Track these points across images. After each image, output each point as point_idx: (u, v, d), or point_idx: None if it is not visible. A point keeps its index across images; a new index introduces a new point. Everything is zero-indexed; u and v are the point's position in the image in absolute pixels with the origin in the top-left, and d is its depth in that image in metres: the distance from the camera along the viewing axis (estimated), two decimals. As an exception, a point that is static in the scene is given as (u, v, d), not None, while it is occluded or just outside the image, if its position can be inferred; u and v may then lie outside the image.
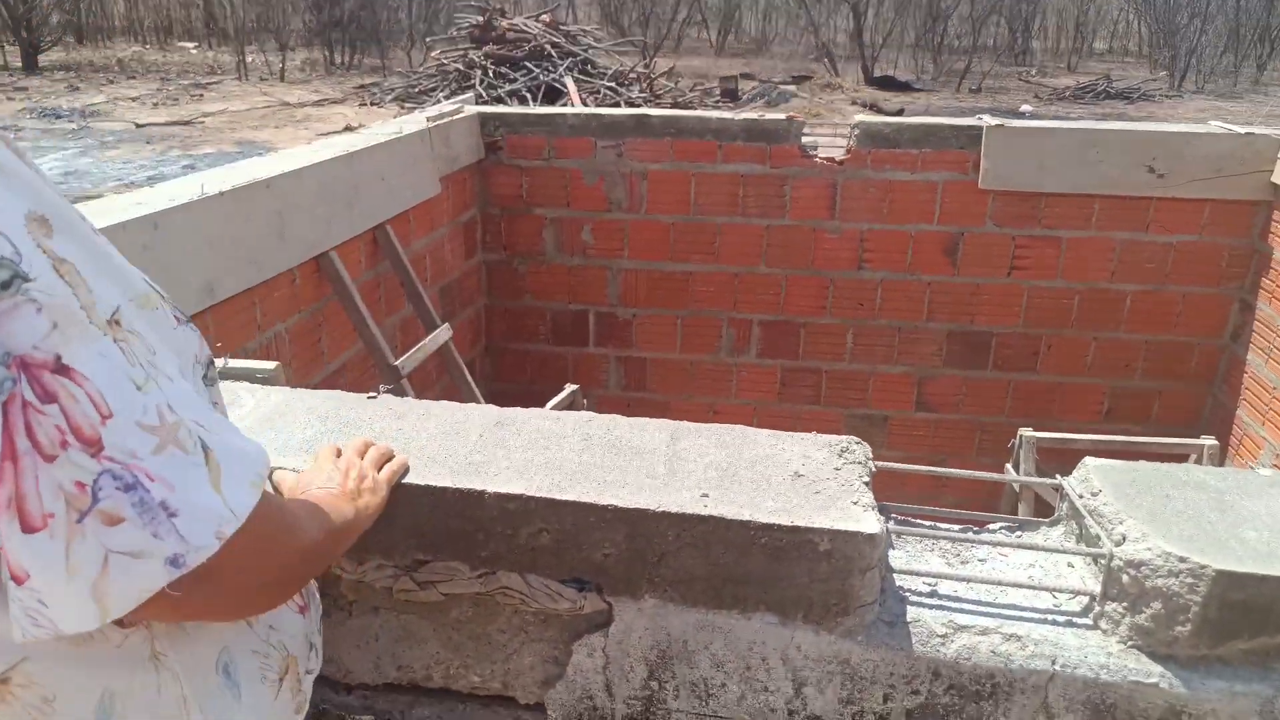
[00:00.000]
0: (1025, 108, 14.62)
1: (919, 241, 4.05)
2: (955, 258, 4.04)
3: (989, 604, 1.11)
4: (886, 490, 1.18)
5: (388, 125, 3.74)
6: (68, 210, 0.69)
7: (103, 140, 11.19)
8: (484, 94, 11.15)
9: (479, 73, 11.71)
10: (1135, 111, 14.82)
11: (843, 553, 0.97)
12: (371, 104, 13.51)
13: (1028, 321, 4.10)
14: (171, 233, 2.29)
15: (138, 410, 0.63)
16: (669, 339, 4.37)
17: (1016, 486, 3.66)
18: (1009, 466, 3.80)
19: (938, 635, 1.06)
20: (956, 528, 1.22)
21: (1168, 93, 17.09)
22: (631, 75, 12.61)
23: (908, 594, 1.11)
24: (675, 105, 12.13)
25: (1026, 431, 3.69)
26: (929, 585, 1.13)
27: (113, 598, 0.63)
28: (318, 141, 3.42)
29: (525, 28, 12.29)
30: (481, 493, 1.03)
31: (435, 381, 3.80)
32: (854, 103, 14.78)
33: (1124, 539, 1.09)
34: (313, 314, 2.96)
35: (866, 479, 1.08)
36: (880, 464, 1.14)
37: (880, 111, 13.31)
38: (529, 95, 11.25)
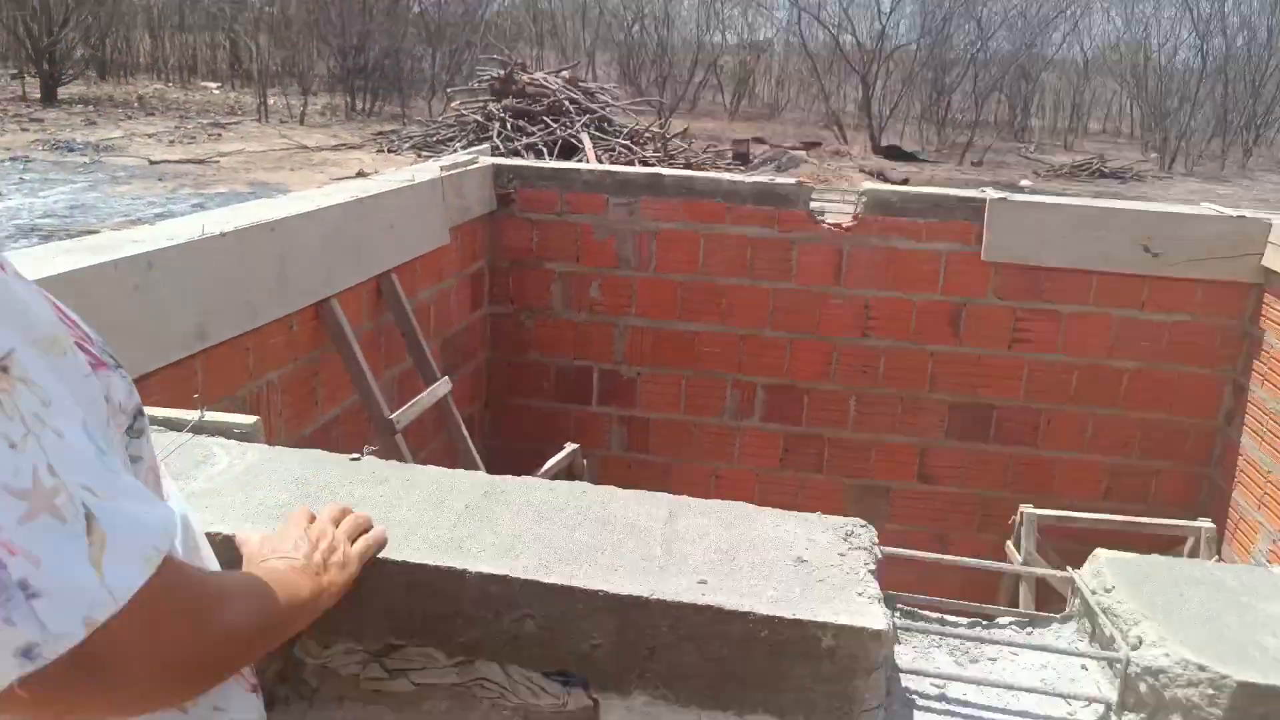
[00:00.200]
0: (1025, 182, 14.81)
1: (923, 310, 4.03)
2: (958, 328, 4.03)
3: (1001, 709, 1.05)
4: (887, 559, 1.13)
5: (400, 172, 3.75)
6: None
7: (114, 175, 11.28)
8: (501, 146, 11.28)
9: (497, 125, 11.88)
10: (1128, 191, 15.02)
11: (847, 650, 0.92)
12: (389, 151, 13.68)
13: (1029, 395, 4.06)
14: (166, 273, 2.24)
15: (7, 472, 0.55)
16: (673, 399, 4.33)
17: (1019, 565, 3.59)
18: (1010, 545, 3.74)
19: (948, 745, 1.00)
20: (965, 621, 1.17)
21: (1158, 174, 17.36)
22: (647, 134, 12.79)
23: (915, 696, 1.05)
24: (688, 166, 12.28)
25: (1028, 508, 3.64)
26: (937, 687, 1.07)
27: None
28: (328, 185, 3.43)
29: (545, 83, 12.49)
30: (462, 572, 0.97)
31: (433, 437, 3.75)
32: (861, 170, 14.98)
33: (1140, 642, 1.04)
34: (309, 362, 2.91)
35: (872, 566, 1.03)
36: (886, 549, 1.09)
37: (887, 180, 13.46)
38: (545, 149, 11.39)
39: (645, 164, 11.32)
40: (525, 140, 11.48)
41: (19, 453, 0.56)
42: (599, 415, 4.40)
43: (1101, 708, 1.06)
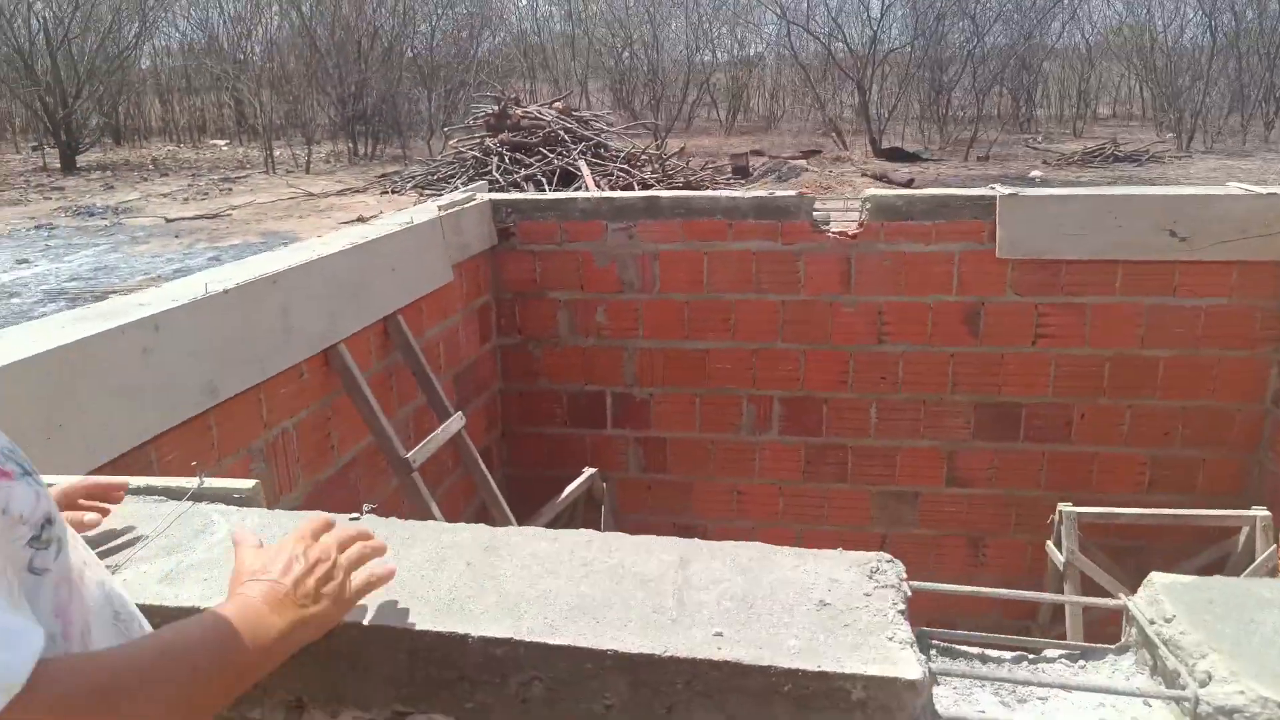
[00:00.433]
0: (1035, 173, 14.66)
1: (938, 313, 3.97)
2: (977, 328, 3.96)
3: (1057, 760, 0.96)
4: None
5: (399, 215, 3.75)
6: None
7: (133, 236, 11.44)
8: (500, 179, 11.33)
9: (495, 159, 11.94)
10: (1145, 174, 14.83)
11: (879, 702, 0.85)
12: (392, 192, 13.78)
13: (1057, 391, 3.98)
14: (173, 334, 2.25)
15: None
16: (688, 418, 4.28)
17: (1061, 565, 3.49)
18: (1050, 545, 3.64)
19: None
20: (1010, 656, 1.09)
21: (1176, 153, 17.13)
22: (644, 157, 12.81)
23: (958, 749, 0.97)
24: (688, 184, 12.28)
25: (1066, 507, 3.54)
26: (983, 736, 0.99)
27: None
28: (328, 234, 3.42)
29: (539, 115, 12.56)
30: (465, 637, 0.93)
31: (450, 472, 3.72)
32: (864, 174, 14.91)
33: (1210, 678, 0.94)
34: (322, 408, 2.90)
35: (901, 606, 0.95)
36: (916, 584, 1.02)
37: (890, 182, 13.39)
38: (544, 180, 11.42)
39: (644, 186, 11.33)
40: (524, 172, 11.53)
41: None
42: (614, 438, 4.36)
43: (1170, 753, 0.98)
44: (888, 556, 1.01)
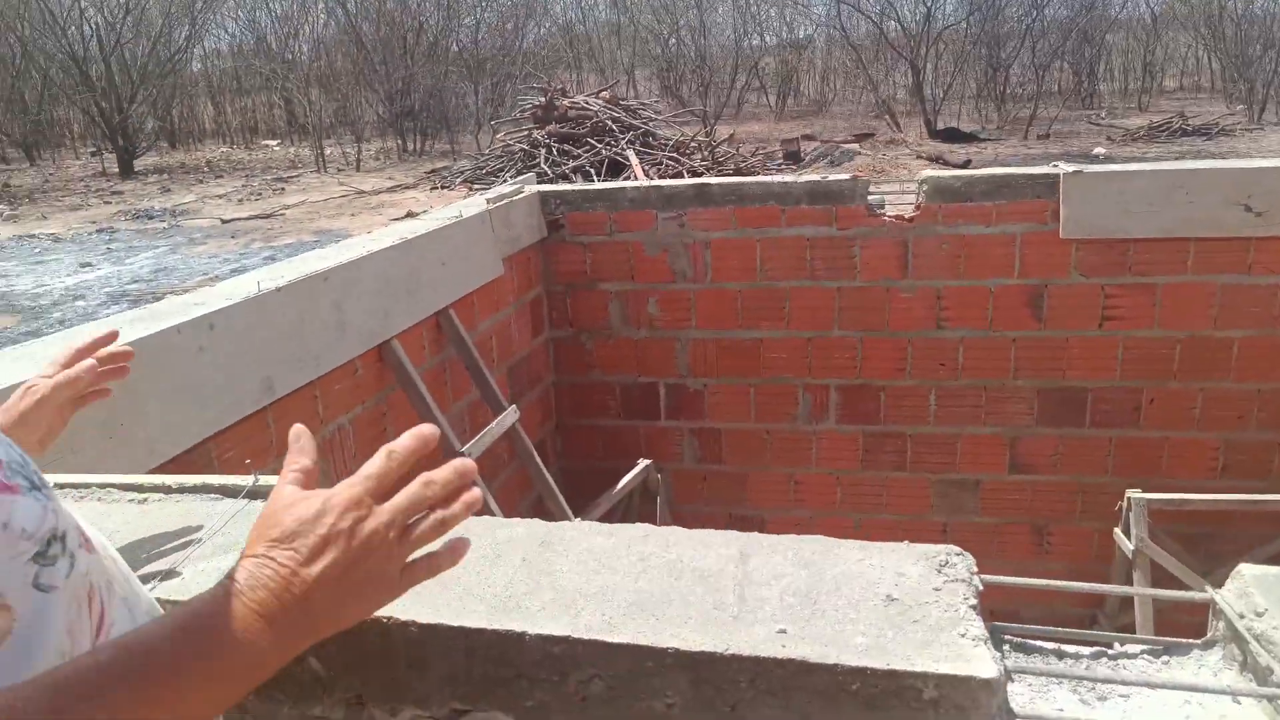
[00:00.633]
0: (1099, 150, 14.22)
1: (1000, 296, 3.85)
2: (1040, 311, 3.84)
3: (1138, 754, 0.92)
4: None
5: (447, 209, 3.76)
6: None
7: (191, 237, 11.72)
8: (549, 171, 11.35)
9: (543, 151, 11.96)
10: (1215, 147, 14.27)
11: (953, 702, 0.81)
12: (442, 187, 13.91)
13: (1125, 374, 3.84)
14: (228, 333, 2.28)
15: None
16: (742, 408, 4.23)
17: (1130, 554, 3.38)
18: (1119, 532, 3.52)
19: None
20: (1088, 652, 1.03)
21: (1247, 126, 16.46)
22: (693, 144, 12.72)
23: (1037, 745, 0.93)
24: (738, 171, 12.16)
25: (1135, 493, 3.42)
26: (1061, 735, 0.94)
27: None
28: (378, 230, 3.44)
29: (586, 105, 12.54)
30: (522, 635, 0.91)
31: (506, 465, 3.73)
32: (919, 157, 14.62)
33: None
34: (376, 403, 2.92)
35: (973, 601, 0.91)
36: (987, 577, 0.97)
37: (946, 164, 13.11)
38: (592, 170, 11.41)
39: (694, 174, 11.25)
40: (572, 164, 11.53)
41: None
42: (669, 429, 4.33)
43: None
44: (957, 549, 0.96)
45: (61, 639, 0.69)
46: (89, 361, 1.08)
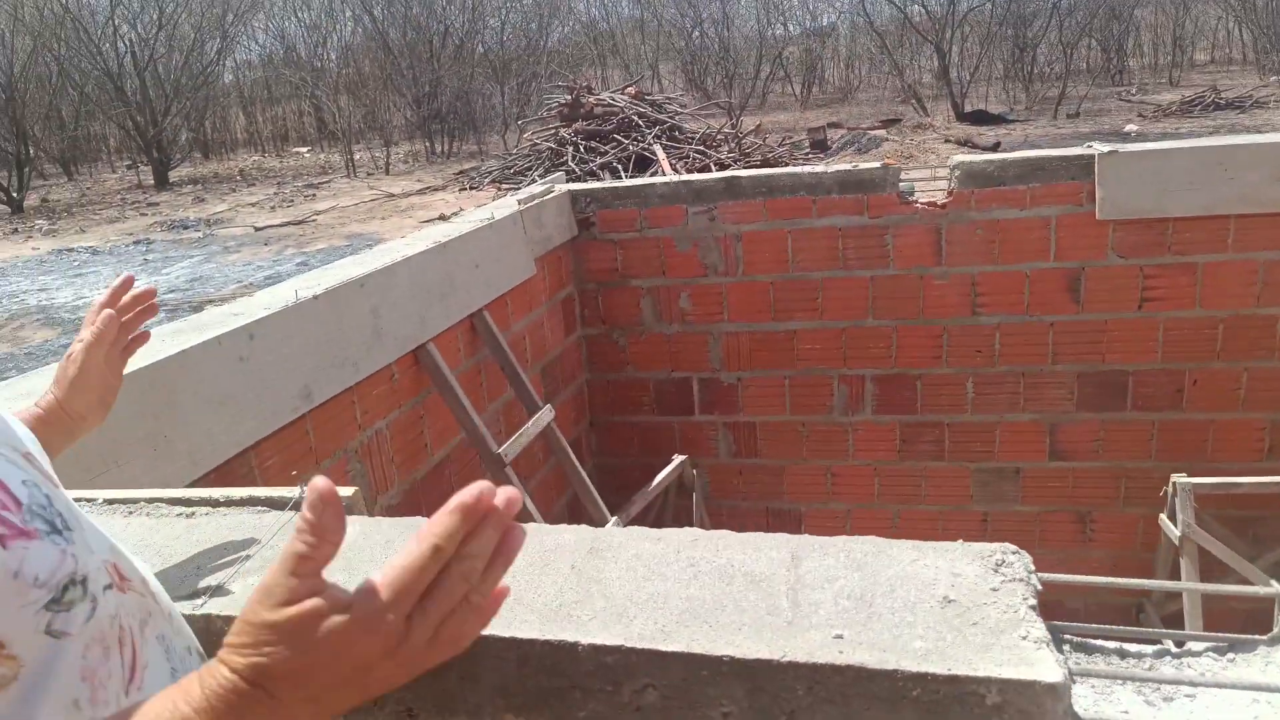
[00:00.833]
0: (1130, 127, 13.95)
1: (1036, 281, 3.80)
2: (1078, 295, 3.78)
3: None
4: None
5: (479, 212, 3.78)
6: None
7: (225, 246, 11.89)
8: (576, 169, 11.37)
9: (570, 149, 11.98)
10: (1250, 120, 13.93)
11: (1017, 707, 0.80)
12: (470, 188, 13.98)
13: (1166, 356, 3.77)
14: (267, 342, 2.30)
15: None
16: (777, 401, 4.21)
17: (1176, 540, 3.32)
18: (1164, 518, 3.46)
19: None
20: (1150, 650, 1.01)
21: (1283, 98, 16.08)
22: (719, 136, 12.67)
23: (1102, 747, 0.91)
24: (765, 162, 12.09)
25: (1180, 478, 3.36)
26: (1128, 734, 0.92)
27: None
28: (411, 234, 3.47)
29: (612, 101, 12.54)
30: (575, 645, 0.91)
31: (542, 464, 3.75)
32: (947, 141, 14.44)
33: None
34: (413, 407, 2.95)
35: (1033, 602, 0.89)
36: (1046, 576, 0.95)
37: (975, 147, 12.93)
38: (620, 166, 11.41)
39: (721, 166, 11.20)
40: (600, 160, 11.53)
41: None
42: (703, 424, 4.32)
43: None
44: (1013, 548, 0.94)
45: (74, 686, 0.68)
46: (106, 312, 1.10)
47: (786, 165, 11.51)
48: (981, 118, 16.71)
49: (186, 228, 13.60)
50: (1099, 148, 3.69)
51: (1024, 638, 0.85)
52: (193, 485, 2.07)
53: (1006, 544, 0.95)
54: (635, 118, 12.04)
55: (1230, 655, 1.03)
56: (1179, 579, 3.25)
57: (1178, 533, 3.23)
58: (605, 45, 27.32)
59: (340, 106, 20.09)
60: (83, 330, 1.11)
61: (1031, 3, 19.50)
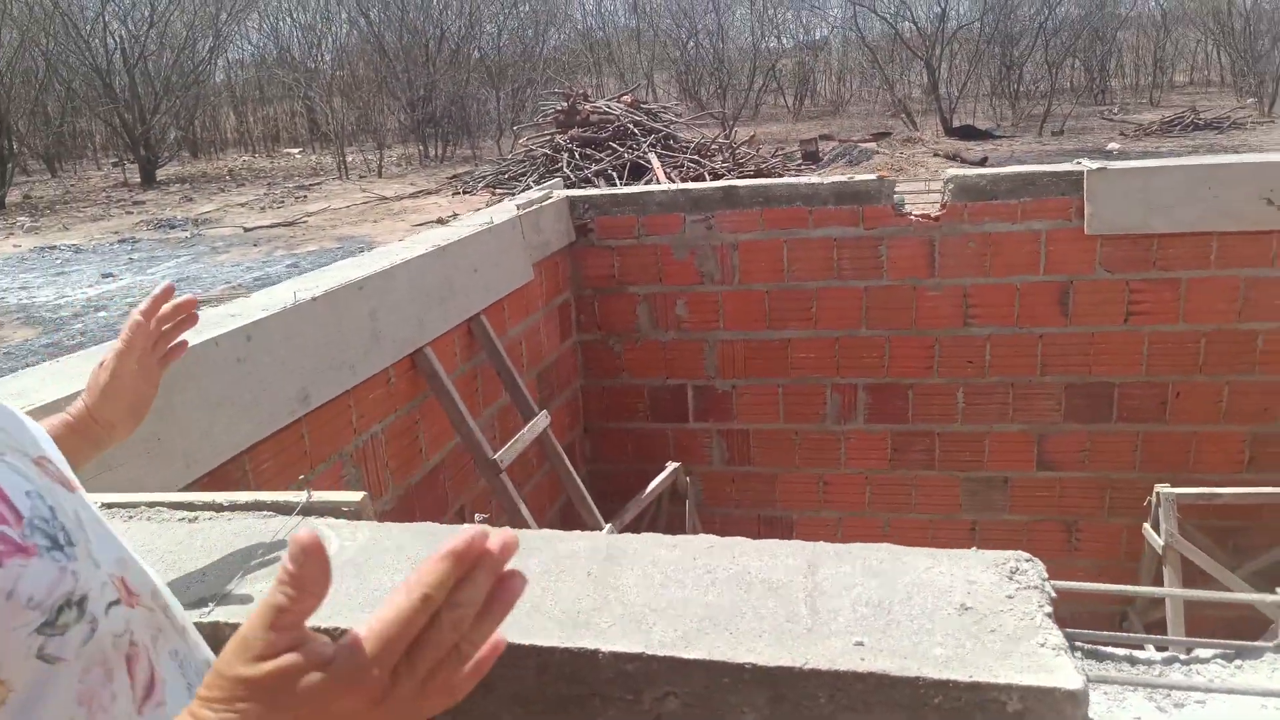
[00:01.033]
0: (1112, 146, 14.12)
1: (1026, 294, 3.86)
2: (1067, 308, 3.84)
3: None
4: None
5: (478, 216, 3.80)
6: None
7: (213, 246, 11.82)
8: (571, 176, 11.39)
9: (565, 156, 12.01)
10: (1228, 141, 14.14)
11: (1038, 714, 0.81)
12: (464, 192, 13.97)
13: (1151, 369, 3.84)
14: (264, 343, 2.27)
15: None
16: (771, 409, 4.25)
17: (1159, 549, 3.37)
18: (1148, 528, 3.51)
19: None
20: (1159, 657, 1.03)
21: (1258, 119, 16.33)
22: (713, 146, 12.73)
23: (1119, 758, 0.92)
24: (758, 172, 12.15)
25: (1164, 488, 3.41)
26: (1143, 745, 0.93)
27: None
28: (409, 237, 3.49)
29: (607, 109, 12.58)
30: (595, 652, 0.90)
31: (536, 469, 3.77)
32: (936, 155, 14.55)
33: None
34: (409, 411, 2.95)
35: (1049, 609, 0.90)
36: (1058, 583, 0.97)
37: (964, 161, 13.04)
38: (615, 174, 11.45)
39: (715, 175, 11.25)
40: (594, 168, 11.56)
41: None
42: (697, 431, 4.35)
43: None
44: (1026, 555, 0.96)
45: (69, 710, 0.65)
46: (136, 320, 1.10)
47: (780, 175, 11.59)
48: (969, 133, 16.87)
49: (173, 227, 13.49)
50: (1088, 164, 3.76)
51: (1042, 644, 0.85)
52: (187, 489, 2.02)
53: (1020, 551, 0.96)
54: (631, 126, 12.08)
55: (1238, 662, 1.05)
56: (1161, 583, 3.30)
57: (1161, 542, 3.27)
58: (601, 53, 27.37)
59: (334, 108, 20.04)
60: (122, 339, 1.11)
61: (1018, 23, 19.74)
